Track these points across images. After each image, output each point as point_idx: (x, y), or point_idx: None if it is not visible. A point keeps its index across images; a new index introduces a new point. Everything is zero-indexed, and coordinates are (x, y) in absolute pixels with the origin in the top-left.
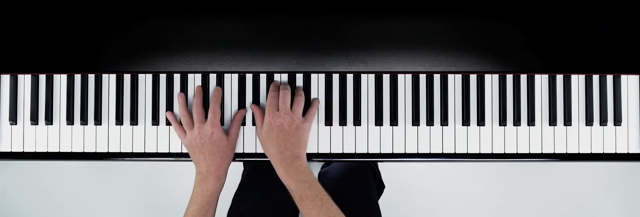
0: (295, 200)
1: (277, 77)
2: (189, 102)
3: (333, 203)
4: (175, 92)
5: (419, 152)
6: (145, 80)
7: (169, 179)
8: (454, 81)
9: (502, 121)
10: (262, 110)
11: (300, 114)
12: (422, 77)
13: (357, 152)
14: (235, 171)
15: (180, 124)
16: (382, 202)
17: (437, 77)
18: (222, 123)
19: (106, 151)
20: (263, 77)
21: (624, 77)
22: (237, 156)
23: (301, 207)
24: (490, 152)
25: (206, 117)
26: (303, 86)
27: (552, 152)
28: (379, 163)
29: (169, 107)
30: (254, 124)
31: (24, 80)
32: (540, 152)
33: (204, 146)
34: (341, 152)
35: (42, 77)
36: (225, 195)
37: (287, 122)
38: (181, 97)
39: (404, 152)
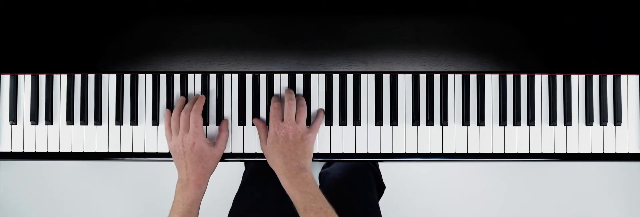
0: (299, 211)
1: (277, 77)
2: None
3: (337, 216)
4: (175, 92)
5: (419, 152)
6: (145, 80)
7: (169, 179)
8: (454, 81)
9: (502, 121)
10: (264, 123)
11: (304, 124)
12: (422, 77)
13: (357, 152)
14: (236, 171)
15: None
16: (382, 202)
17: (437, 77)
18: (220, 123)
19: (106, 151)
20: (263, 77)
21: (624, 77)
22: (237, 156)
23: None
24: (490, 152)
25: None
26: (303, 86)
27: (552, 152)
28: (379, 164)
29: (169, 107)
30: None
31: (24, 80)
32: (540, 152)
33: (185, 155)
34: (341, 152)
35: (42, 77)
36: (225, 196)
37: (292, 133)
38: (181, 100)
39: (404, 152)
